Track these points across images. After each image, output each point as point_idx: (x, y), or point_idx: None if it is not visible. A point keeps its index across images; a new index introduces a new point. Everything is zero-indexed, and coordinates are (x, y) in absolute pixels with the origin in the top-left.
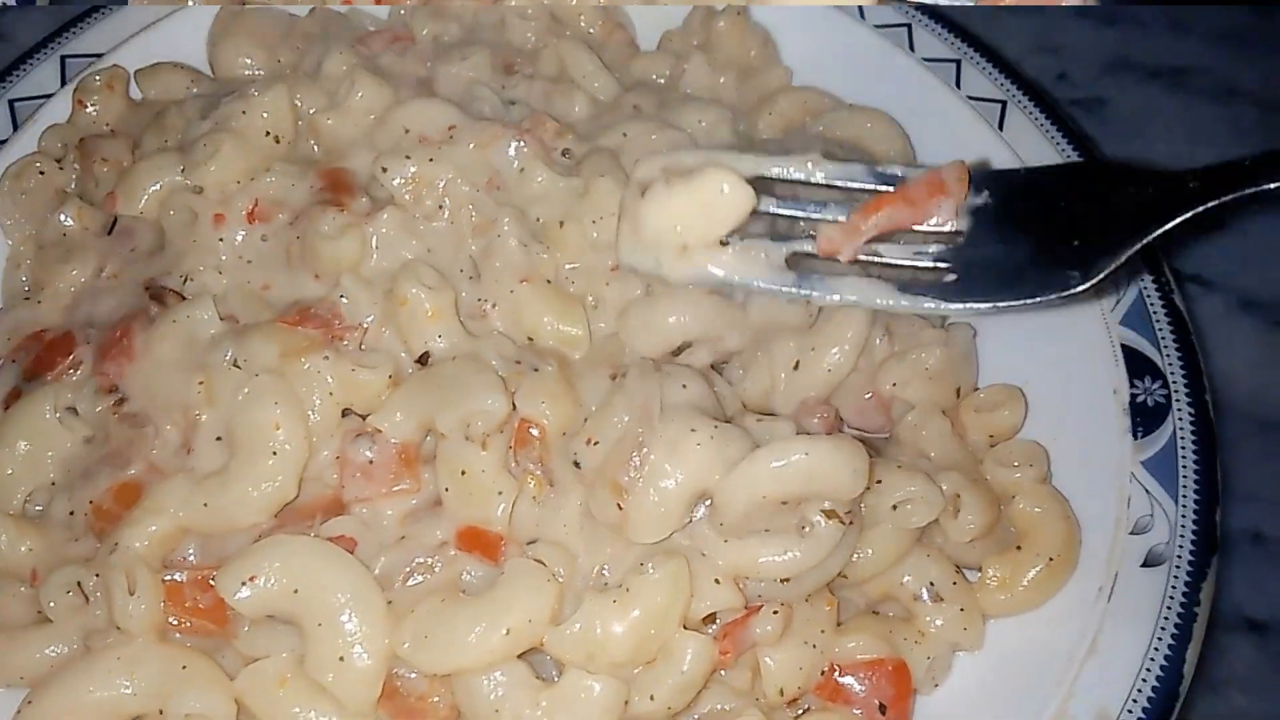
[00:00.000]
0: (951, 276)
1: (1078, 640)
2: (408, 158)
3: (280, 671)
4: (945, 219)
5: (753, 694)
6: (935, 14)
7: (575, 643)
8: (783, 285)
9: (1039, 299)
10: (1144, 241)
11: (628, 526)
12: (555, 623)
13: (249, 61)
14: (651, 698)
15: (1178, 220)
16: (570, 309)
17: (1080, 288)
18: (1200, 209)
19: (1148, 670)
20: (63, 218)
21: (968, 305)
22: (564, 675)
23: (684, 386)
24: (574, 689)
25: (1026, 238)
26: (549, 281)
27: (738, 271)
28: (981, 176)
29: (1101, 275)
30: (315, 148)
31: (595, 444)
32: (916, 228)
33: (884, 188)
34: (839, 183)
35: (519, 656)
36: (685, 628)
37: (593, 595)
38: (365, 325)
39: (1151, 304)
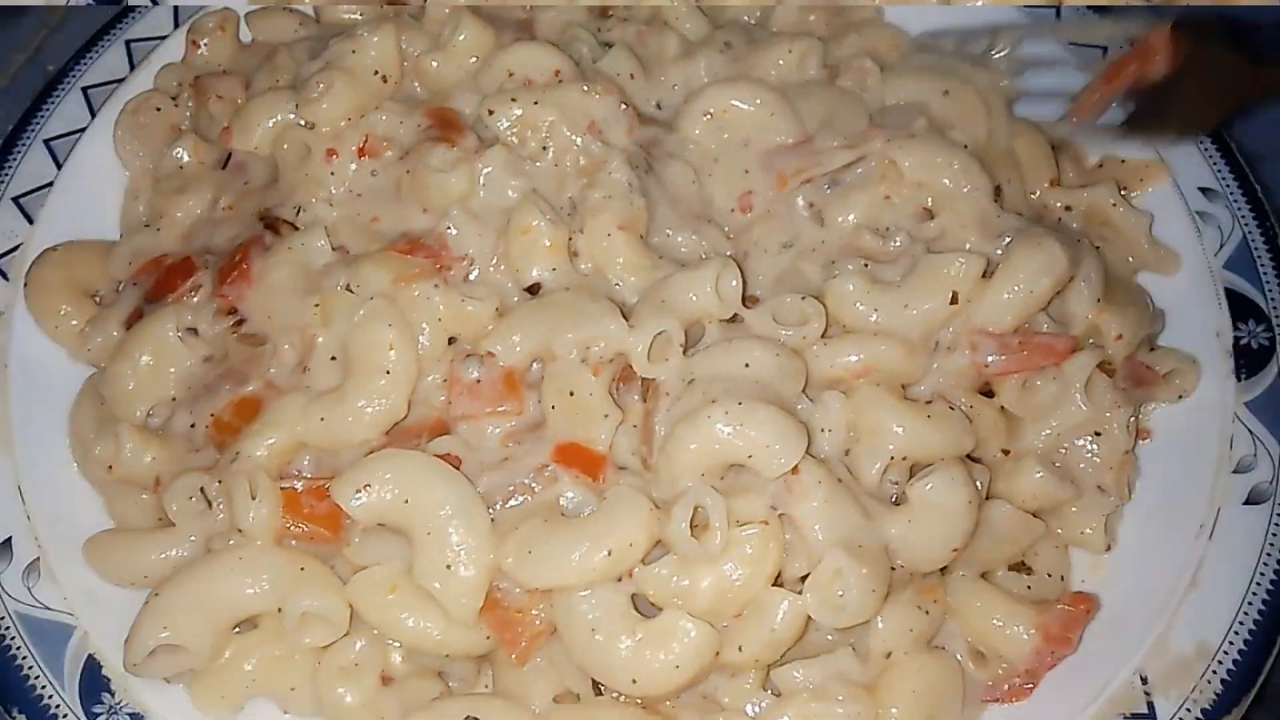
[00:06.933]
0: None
1: (1179, 574)
2: (513, 100)
3: (390, 579)
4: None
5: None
6: None
7: (659, 583)
8: None
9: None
10: None
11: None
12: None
13: (353, 6)
14: (740, 649)
15: None
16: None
17: None
18: None
19: (1249, 604)
20: (179, 152)
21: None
22: (663, 612)
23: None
24: (670, 627)
25: None
26: (641, 237)
27: None
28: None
29: None
30: (419, 88)
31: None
32: None
33: None
34: None
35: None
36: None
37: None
38: (471, 256)
39: (1255, 248)
